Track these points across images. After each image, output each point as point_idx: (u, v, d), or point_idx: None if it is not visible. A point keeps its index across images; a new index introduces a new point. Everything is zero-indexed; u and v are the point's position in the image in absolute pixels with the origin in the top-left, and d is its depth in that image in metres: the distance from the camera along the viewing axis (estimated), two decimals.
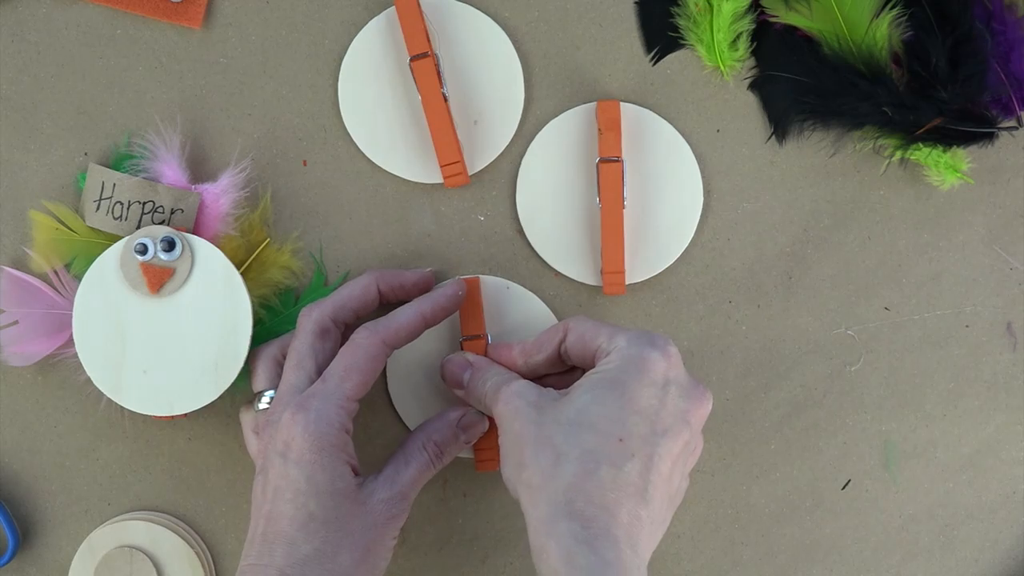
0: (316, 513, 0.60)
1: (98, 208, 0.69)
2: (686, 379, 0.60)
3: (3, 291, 0.70)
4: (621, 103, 0.71)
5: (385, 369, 0.71)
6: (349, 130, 0.71)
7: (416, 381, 0.71)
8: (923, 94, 0.68)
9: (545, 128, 0.72)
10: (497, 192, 0.72)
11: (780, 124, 0.72)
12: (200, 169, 0.71)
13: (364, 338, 0.63)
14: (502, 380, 0.64)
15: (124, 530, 0.71)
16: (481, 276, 0.71)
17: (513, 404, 0.61)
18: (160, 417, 0.71)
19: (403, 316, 0.65)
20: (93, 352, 0.67)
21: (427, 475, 0.65)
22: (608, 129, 0.70)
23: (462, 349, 0.70)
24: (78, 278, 0.68)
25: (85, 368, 0.67)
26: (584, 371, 0.63)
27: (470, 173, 0.71)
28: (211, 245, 0.67)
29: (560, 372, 0.66)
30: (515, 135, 0.72)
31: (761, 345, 0.73)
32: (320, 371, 0.64)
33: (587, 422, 0.58)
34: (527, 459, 0.58)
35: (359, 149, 0.72)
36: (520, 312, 0.72)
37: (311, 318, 0.65)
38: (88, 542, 0.71)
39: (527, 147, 0.72)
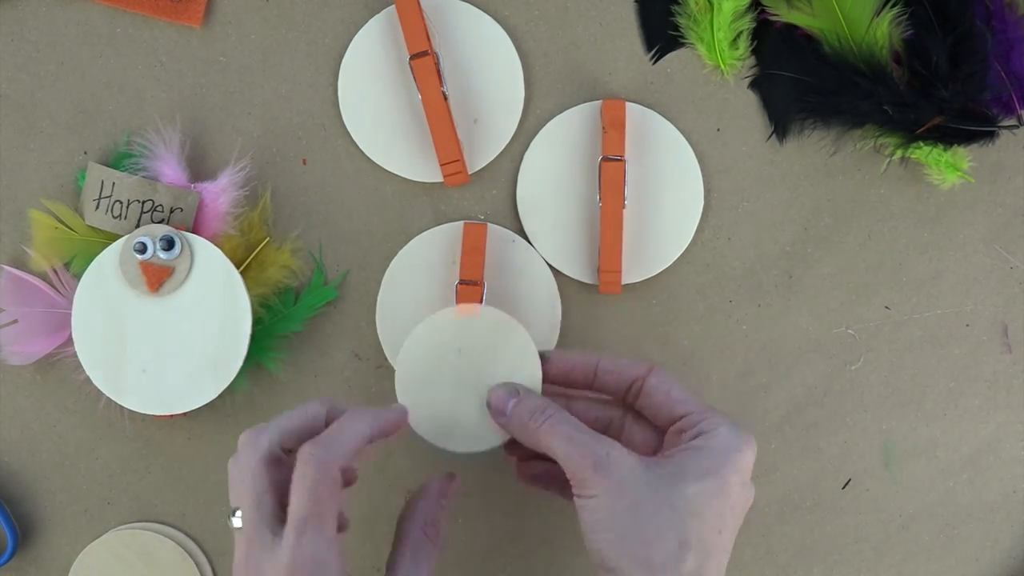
0: None
1: (97, 207, 0.69)
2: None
3: (3, 290, 0.70)
4: None
5: (375, 316, 0.71)
6: (349, 129, 0.71)
7: (405, 323, 0.71)
8: (924, 93, 0.68)
9: (545, 127, 0.71)
10: (497, 191, 0.72)
11: (780, 123, 0.72)
12: (199, 168, 0.71)
13: (320, 470, 0.57)
14: (574, 428, 0.62)
15: (119, 540, 0.71)
16: (489, 224, 0.71)
17: (627, 468, 0.60)
18: (160, 416, 0.71)
19: (351, 439, 0.60)
20: (92, 351, 0.67)
21: (435, 562, 0.63)
22: (612, 128, 0.69)
23: (457, 294, 0.69)
24: (77, 277, 0.68)
25: (84, 367, 0.67)
26: (622, 422, 0.65)
27: (470, 172, 0.71)
28: (210, 244, 0.67)
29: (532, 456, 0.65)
30: (515, 134, 0.72)
31: (761, 345, 0.73)
32: (281, 505, 0.58)
33: (697, 511, 0.59)
34: (649, 537, 0.59)
35: (359, 148, 0.71)
36: (521, 267, 0.71)
37: (258, 450, 0.59)
38: (83, 556, 0.71)
39: (527, 146, 0.72)
